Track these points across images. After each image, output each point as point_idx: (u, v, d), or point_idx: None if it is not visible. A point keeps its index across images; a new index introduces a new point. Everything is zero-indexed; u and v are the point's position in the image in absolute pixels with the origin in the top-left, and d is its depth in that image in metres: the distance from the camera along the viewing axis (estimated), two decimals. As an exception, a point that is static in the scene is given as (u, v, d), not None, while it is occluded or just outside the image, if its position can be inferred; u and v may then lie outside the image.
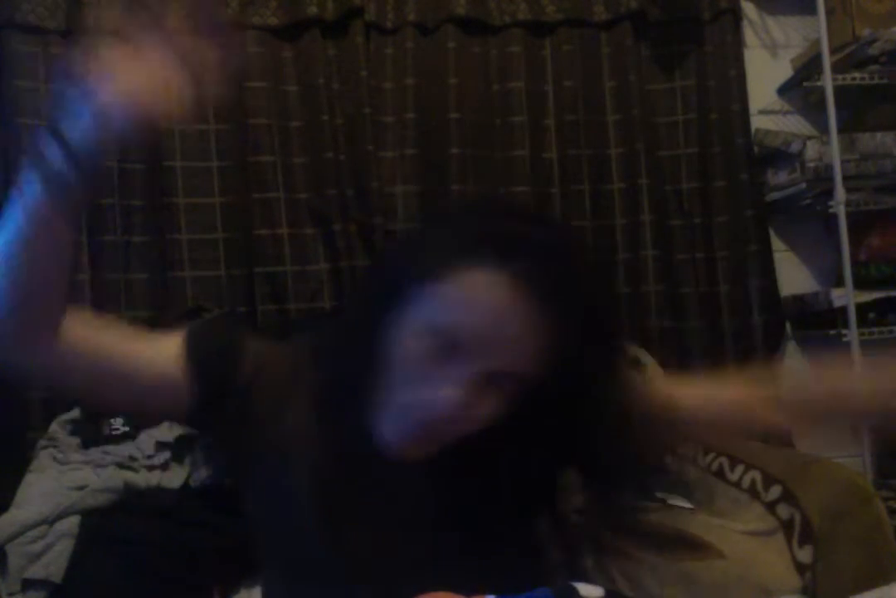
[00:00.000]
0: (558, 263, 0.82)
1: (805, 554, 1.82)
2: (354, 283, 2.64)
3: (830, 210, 2.61)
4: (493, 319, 0.80)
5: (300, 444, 0.92)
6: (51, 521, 1.70)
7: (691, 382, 1.04)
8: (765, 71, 2.93)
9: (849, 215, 2.59)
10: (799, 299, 2.83)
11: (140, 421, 1.95)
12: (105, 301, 2.55)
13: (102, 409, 1.75)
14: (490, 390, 0.82)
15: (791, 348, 2.91)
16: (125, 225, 2.60)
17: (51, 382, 1.03)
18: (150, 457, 1.85)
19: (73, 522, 1.72)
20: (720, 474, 2.11)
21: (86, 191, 0.80)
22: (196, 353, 0.91)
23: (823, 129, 2.73)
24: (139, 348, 0.92)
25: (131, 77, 0.77)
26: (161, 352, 0.92)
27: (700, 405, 0.99)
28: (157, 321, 2.54)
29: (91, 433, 1.92)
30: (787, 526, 1.85)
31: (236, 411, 0.92)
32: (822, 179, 2.64)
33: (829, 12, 2.66)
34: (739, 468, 2.06)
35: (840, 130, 2.63)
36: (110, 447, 1.88)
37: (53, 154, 0.77)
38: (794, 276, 2.91)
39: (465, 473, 0.91)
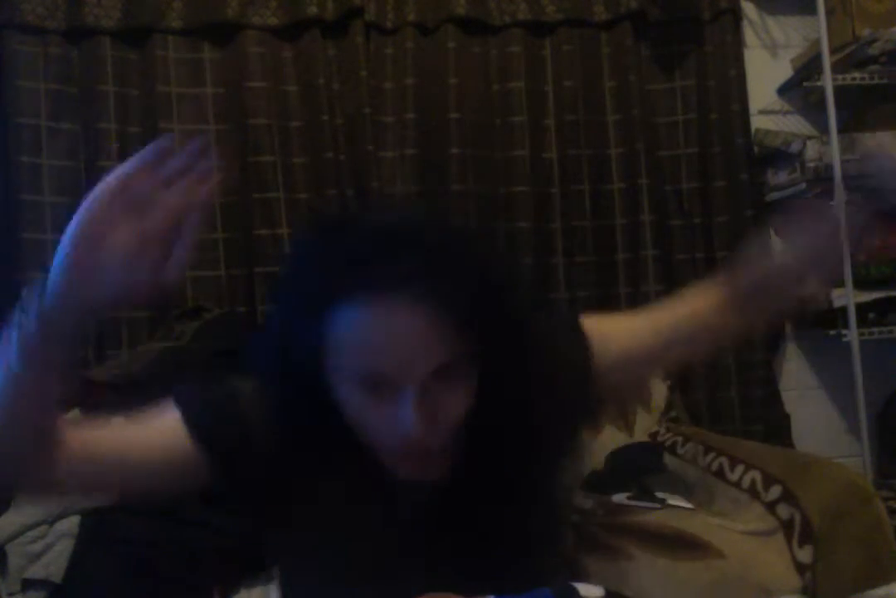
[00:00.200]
0: (422, 265, 0.82)
1: (805, 554, 1.82)
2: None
3: (830, 210, 2.60)
4: (397, 343, 0.82)
5: (328, 484, 0.93)
6: (51, 521, 1.70)
7: (631, 316, 1.11)
8: (765, 71, 2.93)
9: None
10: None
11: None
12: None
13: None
14: (443, 385, 0.84)
15: (791, 348, 2.91)
16: (125, 225, 2.59)
17: (62, 492, 1.00)
18: (150, 457, 1.85)
19: (72, 522, 1.71)
20: (720, 474, 2.11)
21: (55, 352, 0.77)
22: (200, 432, 0.90)
23: (823, 129, 2.73)
24: (139, 436, 0.90)
25: (125, 236, 0.74)
26: (163, 434, 0.90)
27: (647, 334, 1.06)
28: (156, 322, 2.54)
29: (91, 433, 1.92)
30: (787, 526, 1.85)
31: (262, 468, 0.92)
32: (822, 179, 2.64)
33: (829, 12, 2.66)
34: (739, 468, 2.06)
35: (840, 130, 2.63)
36: (110, 447, 1.87)
37: (29, 310, 0.75)
38: (794, 276, 2.90)
39: (474, 481, 0.93)
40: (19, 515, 1.70)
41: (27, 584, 1.64)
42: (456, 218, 1.00)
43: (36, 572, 1.64)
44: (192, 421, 0.90)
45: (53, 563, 1.66)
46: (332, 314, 0.82)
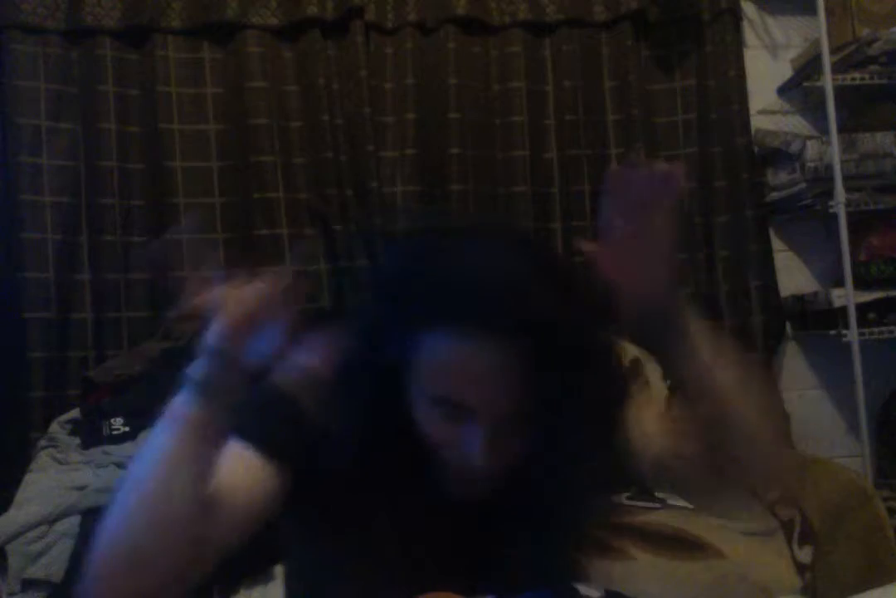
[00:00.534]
0: (520, 307, 0.83)
1: (805, 554, 1.82)
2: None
3: (830, 210, 2.61)
4: (489, 379, 0.84)
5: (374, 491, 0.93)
6: (51, 521, 1.70)
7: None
8: (765, 71, 2.93)
9: (849, 215, 2.60)
10: (799, 299, 2.83)
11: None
12: (105, 302, 2.55)
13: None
14: (507, 431, 0.87)
15: (791, 348, 2.91)
16: (125, 225, 2.60)
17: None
18: (150, 457, 1.85)
19: (73, 522, 1.71)
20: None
21: (219, 421, 0.84)
22: (271, 449, 0.89)
23: (823, 129, 2.73)
24: (234, 486, 0.86)
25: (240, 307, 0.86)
26: (245, 471, 0.88)
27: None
28: (156, 322, 2.54)
29: (91, 434, 1.92)
30: (787, 526, 1.85)
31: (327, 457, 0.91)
32: (821, 179, 2.64)
33: (830, 12, 2.66)
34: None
35: (840, 130, 2.63)
36: (110, 447, 1.87)
37: (194, 387, 0.84)
38: (794, 276, 2.91)
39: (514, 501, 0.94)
40: (20, 516, 1.69)
41: (27, 584, 1.64)
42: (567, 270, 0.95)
43: (36, 572, 1.64)
44: (257, 442, 0.89)
45: (54, 563, 1.65)
46: (430, 336, 0.85)
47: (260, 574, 1.75)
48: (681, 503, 2.08)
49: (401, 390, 0.89)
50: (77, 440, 1.92)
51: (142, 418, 1.95)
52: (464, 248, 0.88)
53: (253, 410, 0.92)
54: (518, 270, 0.86)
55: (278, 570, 1.76)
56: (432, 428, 0.88)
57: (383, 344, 0.88)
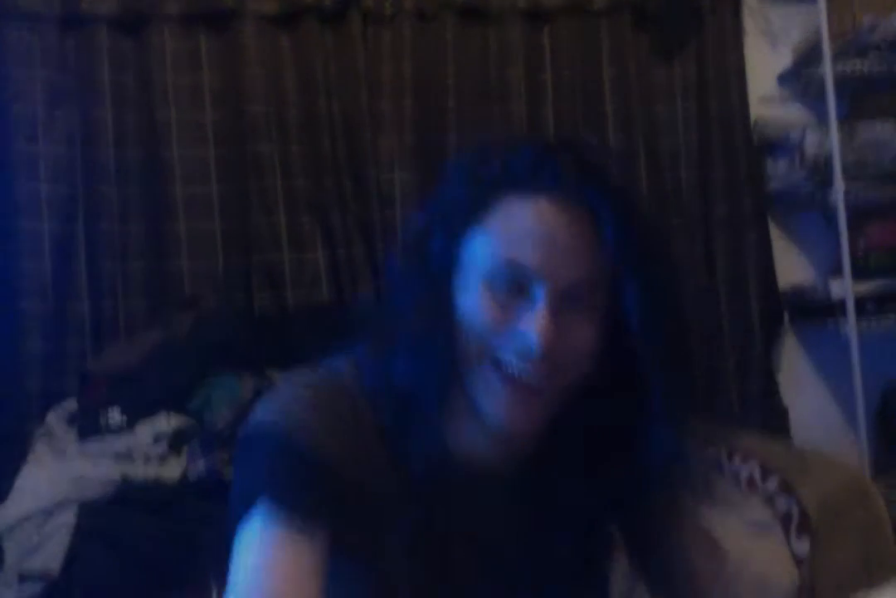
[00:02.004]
0: (593, 174, 0.81)
1: (802, 547, 1.82)
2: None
3: (830, 200, 2.60)
4: (549, 238, 0.80)
5: (386, 496, 0.85)
6: (47, 513, 1.70)
7: None
8: (765, 59, 2.91)
9: (848, 206, 2.58)
10: (797, 290, 2.83)
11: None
12: (102, 292, 2.54)
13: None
14: (575, 311, 0.81)
15: (789, 338, 2.91)
16: (122, 214, 2.59)
17: None
18: (147, 449, 1.85)
19: (69, 514, 1.71)
20: (717, 465, 2.11)
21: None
22: (310, 520, 0.80)
23: (823, 117, 2.71)
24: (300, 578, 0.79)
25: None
26: (303, 555, 0.79)
27: None
28: (153, 312, 2.53)
29: (88, 425, 1.91)
30: (785, 519, 1.85)
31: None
32: (821, 169, 2.63)
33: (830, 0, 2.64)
34: (737, 460, 2.06)
35: (840, 119, 2.61)
36: (107, 439, 1.87)
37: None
38: (792, 266, 2.90)
39: (558, 475, 0.89)
40: (16, 508, 1.69)
41: (24, 576, 1.64)
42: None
43: (33, 564, 1.64)
44: (297, 516, 0.79)
45: (50, 556, 1.65)
46: (487, 204, 0.82)
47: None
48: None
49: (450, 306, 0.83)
50: (74, 432, 1.92)
51: (139, 410, 1.95)
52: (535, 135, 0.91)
53: (280, 478, 0.81)
54: (598, 147, 0.87)
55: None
56: (487, 310, 0.81)
57: (440, 227, 0.85)
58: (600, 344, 0.83)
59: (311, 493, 0.80)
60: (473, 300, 0.82)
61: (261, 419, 0.84)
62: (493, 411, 0.82)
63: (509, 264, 0.80)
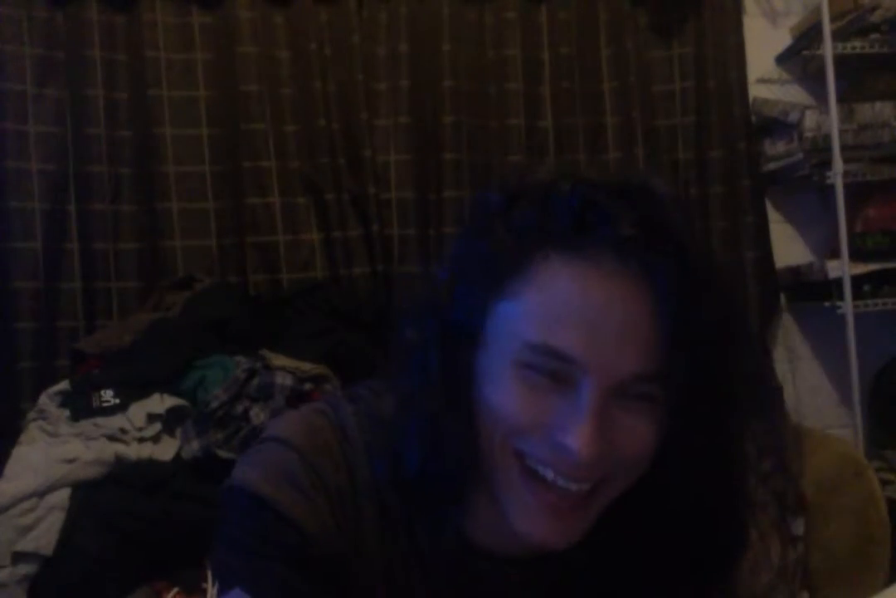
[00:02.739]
0: (657, 232, 0.64)
1: (797, 526, 1.82)
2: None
3: (828, 181, 2.58)
4: (598, 318, 0.62)
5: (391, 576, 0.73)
6: (41, 494, 1.69)
7: None
8: (764, 39, 2.88)
9: (846, 186, 2.57)
10: (794, 271, 2.82)
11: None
12: (94, 271, 2.52)
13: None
14: (628, 406, 0.64)
15: (785, 319, 2.90)
16: (114, 194, 2.56)
17: None
18: (140, 429, 1.83)
19: (63, 495, 1.70)
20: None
21: None
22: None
23: (822, 98, 2.69)
24: None
25: None
26: None
27: None
28: (147, 292, 2.52)
29: (81, 405, 1.90)
30: (780, 498, 1.85)
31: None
32: (819, 150, 2.62)
33: (830, -21, 2.62)
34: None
35: (839, 100, 2.59)
36: (101, 420, 1.86)
37: None
38: (789, 247, 2.89)
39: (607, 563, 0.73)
40: (10, 488, 1.68)
41: (17, 557, 1.64)
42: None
43: (26, 544, 1.63)
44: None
45: (44, 536, 1.65)
46: (520, 264, 0.65)
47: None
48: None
49: (468, 382, 0.67)
50: (67, 412, 1.91)
51: (132, 390, 1.94)
52: (580, 172, 0.68)
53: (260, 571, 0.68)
54: (659, 186, 0.67)
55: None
56: (516, 402, 0.65)
57: (463, 296, 0.68)
58: (660, 441, 0.66)
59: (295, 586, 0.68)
60: (500, 386, 0.66)
61: (247, 486, 0.71)
62: (519, 524, 0.67)
63: (546, 351, 0.63)
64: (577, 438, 0.62)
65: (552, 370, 0.64)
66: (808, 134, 2.63)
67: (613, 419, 0.64)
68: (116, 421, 1.85)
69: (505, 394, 0.65)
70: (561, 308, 0.63)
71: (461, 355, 0.68)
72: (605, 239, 0.63)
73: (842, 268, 2.56)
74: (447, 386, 0.68)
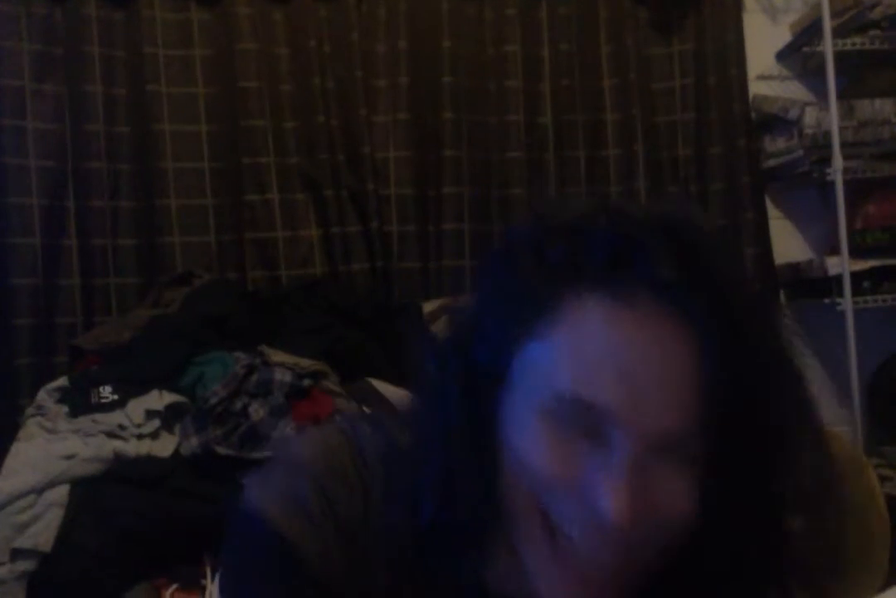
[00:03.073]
0: (699, 271, 0.58)
1: (798, 521, 1.82)
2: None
3: (828, 178, 2.58)
4: (635, 366, 0.57)
5: None
6: (39, 490, 1.68)
7: None
8: (763, 36, 2.88)
9: (845, 183, 2.57)
10: (794, 267, 2.82)
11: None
12: (92, 268, 2.52)
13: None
14: (667, 464, 0.58)
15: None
16: (112, 190, 2.56)
17: None
18: (139, 426, 1.83)
19: (61, 491, 1.70)
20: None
21: None
22: None
23: (822, 95, 2.69)
24: None
25: None
26: None
27: None
28: (145, 289, 2.51)
29: (79, 402, 1.89)
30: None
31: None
32: (819, 146, 2.61)
33: (830, -25, 2.61)
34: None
35: (839, 97, 2.59)
36: (99, 416, 1.85)
37: None
38: (789, 243, 2.89)
39: None
40: (8, 485, 1.68)
41: (16, 553, 1.63)
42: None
43: (25, 541, 1.63)
44: None
45: (42, 533, 1.64)
46: (549, 303, 0.60)
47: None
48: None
49: (492, 419, 0.62)
50: (65, 409, 1.90)
51: (131, 386, 1.93)
52: (617, 203, 0.64)
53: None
54: (701, 222, 0.62)
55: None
56: (543, 455, 0.59)
57: (487, 336, 0.63)
58: (700, 501, 0.59)
59: None
60: (526, 434, 0.60)
61: (259, 515, 0.67)
62: (540, 586, 0.61)
63: (577, 401, 0.57)
64: (612, 500, 0.56)
65: (583, 422, 0.58)
66: (808, 131, 2.63)
67: (650, 479, 0.57)
68: (115, 417, 1.85)
69: (531, 443, 0.59)
70: (593, 354, 0.58)
71: (485, 396, 0.63)
72: (642, 279, 0.57)
73: (841, 265, 2.56)
74: (468, 429, 0.63)
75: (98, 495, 1.72)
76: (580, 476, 0.58)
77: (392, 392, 2.10)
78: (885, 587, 1.21)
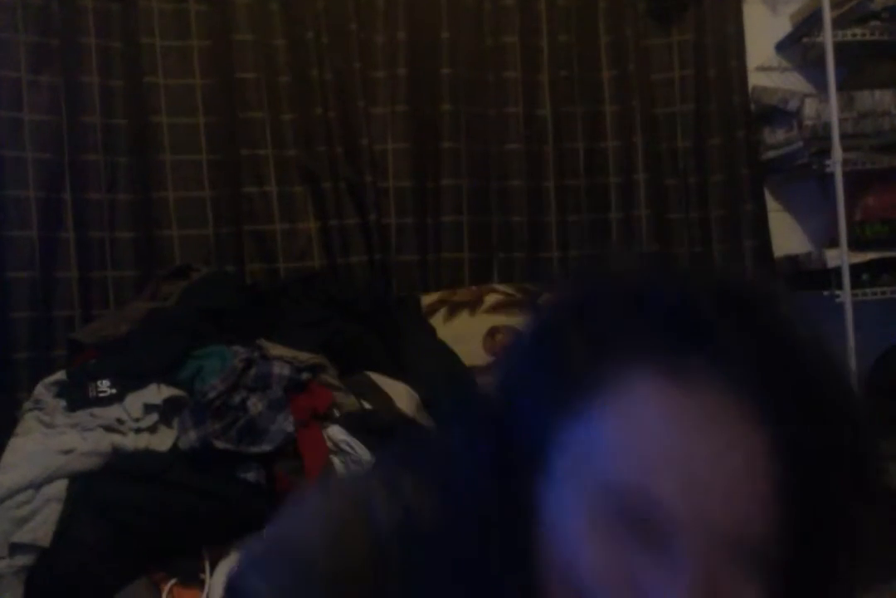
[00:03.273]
0: (780, 357, 0.50)
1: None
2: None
3: (827, 169, 2.57)
4: (702, 457, 0.49)
5: None
6: (37, 485, 1.68)
7: None
8: (763, 26, 2.86)
9: (845, 175, 2.56)
10: (793, 260, 2.81)
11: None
12: (90, 261, 2.51)
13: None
14: (736, 567, 0.49)
15: (784, 308, 2.89)
16: (110, 182, 2.55)
17: None
18: (137, 420, 1.83)
19: (60, 486, 1.69)
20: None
21: None
22: None
23: (822, 86, 2.68)
24: None
25: None
26: None
27: None
28: (143, 282, 2.51)
29: (77, 396, 1.89)
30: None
31: None
32: (819, 138, 2.60)
33: (831, -35, 2.60)
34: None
35: (839, 88, 2.58)
36: (97, 410, 1.84)
37: None
38: (788, 236, 2.88)
39: None
40: (6, 480, 1.68)
41: (14, 548, 1.63)
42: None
43: (23, 536, 1.63)
44: None
45: (40, 527, 1.64)
46: (597, 381, 0.51)
47: (250, 536, 1.73)
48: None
49: (531, 506, 0.53)
50: (63, 403, 1.90)
51: (129, 380, 1.93)
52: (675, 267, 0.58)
53: None
54: (784, 296, 0.55)
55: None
56: (592, 558, 0.50)
57: (519, 409, 0.55)
58: None
59: None
60: (570, 532, 0.51)
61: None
62: None
63: (631, 494, 0.49)
64: None
65: (638, 521, 0.49)
66: (808, 122, 2.62)
67: (718, 589, 0.49)
68: (113, 411, 1.84)
69: (576, 543, 0.50)
70: (651, 444, 0.49)
71: (520, 481, 0.54)
72: (712, 362, 0.49)
73: (841, 257, 2.56)
74: (504, 515, 0.53)
75: (96, 489, 1.71)
76: (637, 585, 0.49)
77: (390, 385, 2.10)
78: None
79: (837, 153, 2.53)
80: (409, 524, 0.58)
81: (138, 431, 1.83)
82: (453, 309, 2.46)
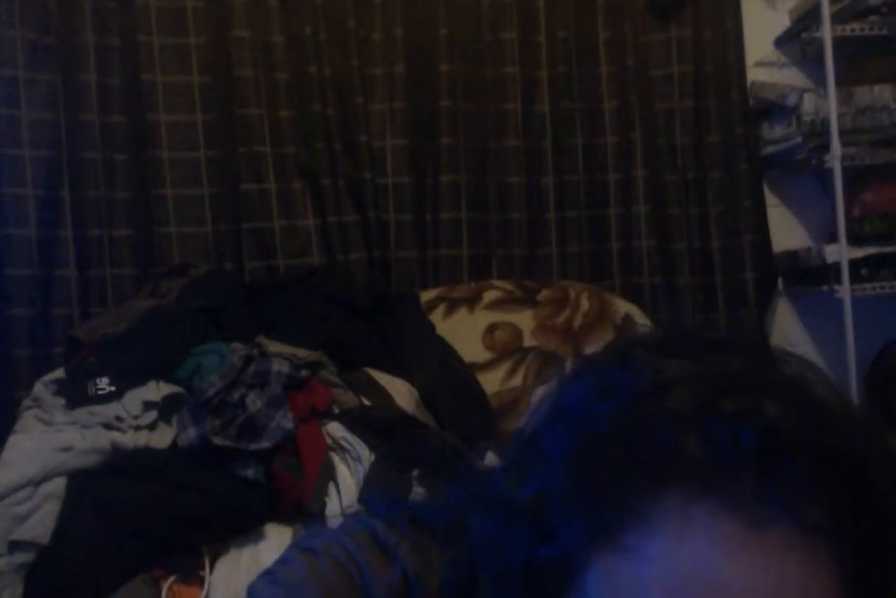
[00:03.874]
0: (863, 509, 0.45)
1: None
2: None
3: (826, 165, 2.57)
4: (763, 592, 0.44)
5: None
6: (36, 483, 1.68)
7: None
8: (762, 21, 2.86)
9: (844, 170, 2.56)
10: (791, 255, 2.81)
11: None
12: (89, 259, 2.51)
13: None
14: None
15: (782, 303, 2.90)
16: (108, 180, 2.55)
17: None
18: (136, 417, 1.82)
19: (59, 483, 1.69)
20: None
21: None
22: None
23: (820, 81, 2.68)
24: None
25: None
26: None
27: None
28: (142, 279, 2.51)
29: (76, 393, 1.89)
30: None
31: None
32: (818, 133, 2.60)
33: (829, -40, 2.59)
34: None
35: (838, 83, 2.58)
36: (96, 408, 1.84)
37: None
38: (787, 231, 2.88)
39: None
40: (5, 477, 1.68)
41: (13, 546, 1.63)
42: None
43: (22, 533, 1.63)
44: None
45: (40, 525, 1.64)
46: (647, 516, 0.45)
47: (250, 533, 1.74)
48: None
49: None
50: (62, 401, 1.90)
51: (128, 378, 1.93)
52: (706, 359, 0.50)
53: None
54: (866, 439, 0.47)
55: (269, 530, 1.75)
56: None
57: (550, 526, 0.49)
58: None
59: None
60: None
61: None
62: None
63: None
64: None
65: None
66: (807, 117, 2.62)
67: None
68: (112, 409, 1.84)
69: None
70: (709, 587, 0.43)
71: (548, 595, 0.49)
72: (780, 501, 0.44)
73: (839, 252, 2.56)
74: None
75: (95, 487, 1.71)
76: None
77: (390, 382, 2.10)
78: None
79: (836, 148, 2.53)
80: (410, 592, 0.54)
81: (137, 428, 1.83)
82: (452, 306, 2.46)
